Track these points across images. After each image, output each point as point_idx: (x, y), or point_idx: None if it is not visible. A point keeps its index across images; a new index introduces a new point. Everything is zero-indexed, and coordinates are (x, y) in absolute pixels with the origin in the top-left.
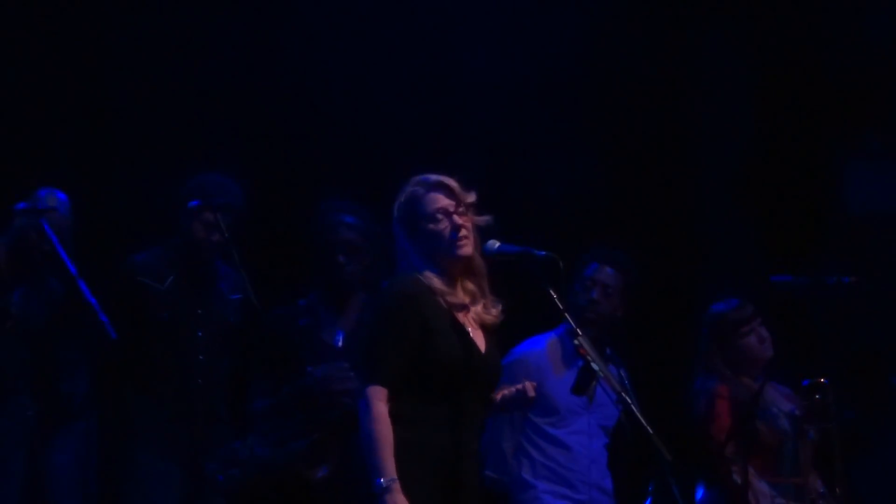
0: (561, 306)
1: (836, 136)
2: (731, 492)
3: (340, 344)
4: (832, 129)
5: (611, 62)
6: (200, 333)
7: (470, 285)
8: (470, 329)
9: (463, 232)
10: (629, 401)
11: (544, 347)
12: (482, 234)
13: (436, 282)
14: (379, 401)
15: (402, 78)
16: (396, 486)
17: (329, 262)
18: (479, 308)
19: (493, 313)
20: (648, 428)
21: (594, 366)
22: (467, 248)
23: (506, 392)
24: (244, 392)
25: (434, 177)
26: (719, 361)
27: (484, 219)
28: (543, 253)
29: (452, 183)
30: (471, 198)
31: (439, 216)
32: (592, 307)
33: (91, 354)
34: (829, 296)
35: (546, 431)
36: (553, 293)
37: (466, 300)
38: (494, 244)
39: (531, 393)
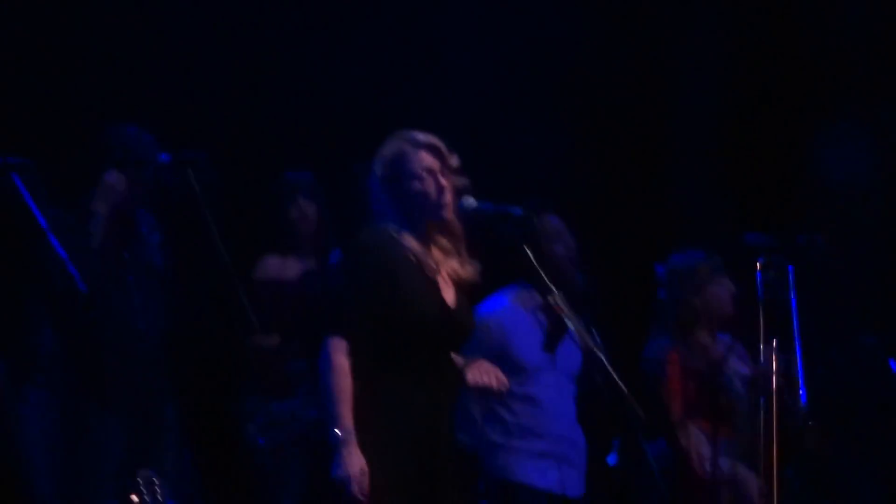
0: (536, 264)
1: (808, 100)
2: (680, 454)
3: None
4: (804, 94)
5: (584, 29)
6: (131, 278)
7: (444, 242)
8: (440, 284)
9: (447, 194)
10: (604, 359)
11: (505, 307)
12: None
13: (408, 240)
14: (339, 352)
15: (377, 54)
16: (353, 438)
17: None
18: (453, 263)
19: (468, 270)
20: (623, 386)
21: (569, 323)
22: (448, 212)
23: (477, 381)
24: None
25: (422, 135)
26: (675, 317)
27: (462, 181)
28: (519, 210)
29: (440, 144)
30: (455, 161)
31: (425, 175)
32: (571, 254)
33: (57, 309)
34: (801, 255)
35: (515, 392)
36: (528, 251)
37: (439, 258)
38: (471, 202)
39: (501, 392)
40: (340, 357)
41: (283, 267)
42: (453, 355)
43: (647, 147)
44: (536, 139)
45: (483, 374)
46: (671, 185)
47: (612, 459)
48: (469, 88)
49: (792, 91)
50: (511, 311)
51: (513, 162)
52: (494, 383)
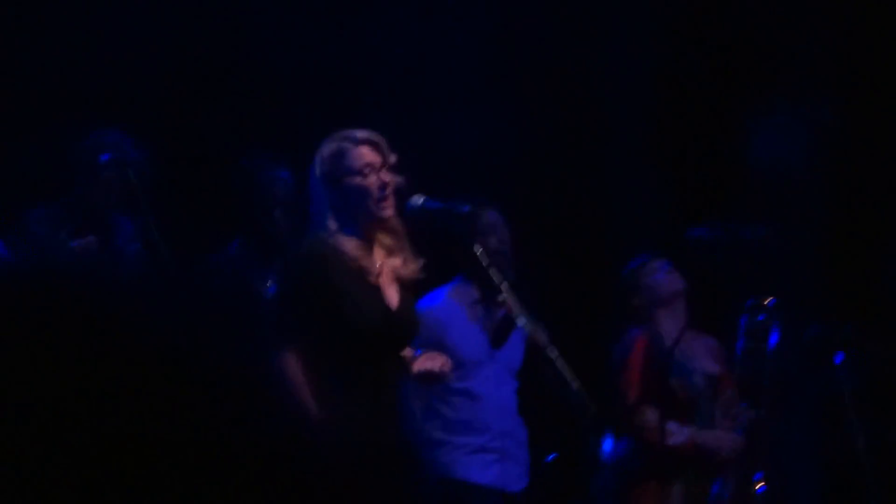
0: (484, 262)
1: (740, 88)
2: (635, 435)
3: None
4: (736, 81)
5: (516, 15)
6: None
7: (387, 240)
8: (383, 286)
9: (388, 190)
10: (553, 354)
11: (443, 301)
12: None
13: (348, 245)
14: (291, 365)
15: (311, 32)
16: None
17: (263, 216)
18: (396, 262)
19: (411, 268)
20: (573, 381)
21: (520, 321)
22: (390, 209)
23: (421, 367)
24: None
25: (361, 132)
26: (636, 309)
27: (399, 179)
28: (467, 208)
29: (380, 139)
30: (393, 158)
31: (366, 171)
32: (504, 248)
33: None
34: (745, 248)
35: (453, 386)
36: (476, 248)
37: (382, 258)
38: (419, 200)
39: (447, 377)
40: (293, 369)
41: None
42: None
43: (582, 140)
44: (471, 133)
45: (427, 360)
46: (609, 177)
47: (549, 458)
48: (403, 75)
49: (724, 77)
50: (449, 306)
51: (447, 157)
52: (438, 367)
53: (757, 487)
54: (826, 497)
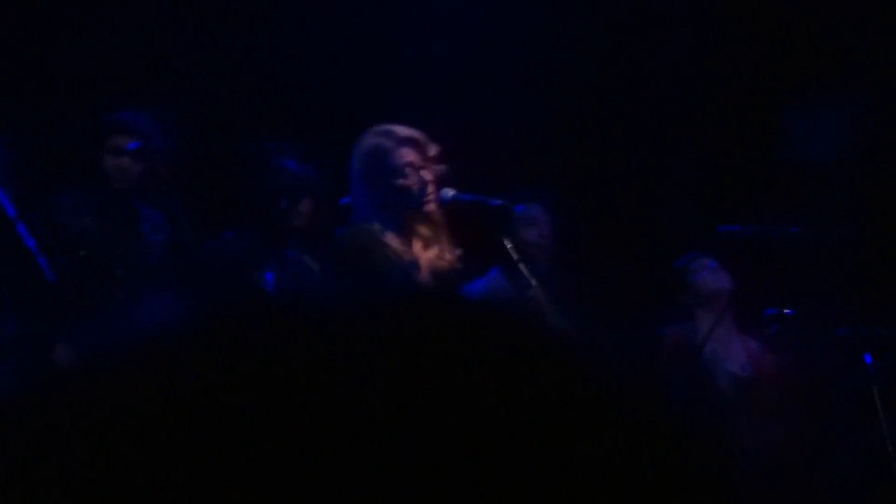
0: (515, 256)
1: (778, 85)
2: None
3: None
4: (774, 78)
5: (561, 6)
6: (121, 272)
7: (425, 232)
8: (422, 278)
9: (430, 188)
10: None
11: (477, 293)
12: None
13: (389, 237)
14: None
15: (350, 18)
16: None
17: (267, 205)
18: (432, 254)
19: (448, 259)
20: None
21: (546, 316)
22: (432, 205)
23: None
24: None
25: (401, 130)
26: (680, 307)
27: (441, 168)
28: (498, 202)
29: (420, 137)
30: (433, 150)
31: (408, 171)
32: (542, 243)
33: (23, 298)
34: (775, 246)
35: None
36: (507, 242)
37: (419, 250)
38: (449, 192)
39: None
40: None
41: None
42: None
43: (626, 136)
44: (513, 126)
45: None
46: (652, 173)
47: None
48: (443, 63)
49: (764, 73)
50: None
51: (494, 151)
52: None
53: None
54: (860, 498)
